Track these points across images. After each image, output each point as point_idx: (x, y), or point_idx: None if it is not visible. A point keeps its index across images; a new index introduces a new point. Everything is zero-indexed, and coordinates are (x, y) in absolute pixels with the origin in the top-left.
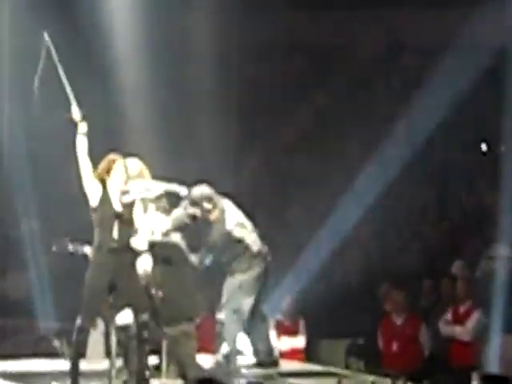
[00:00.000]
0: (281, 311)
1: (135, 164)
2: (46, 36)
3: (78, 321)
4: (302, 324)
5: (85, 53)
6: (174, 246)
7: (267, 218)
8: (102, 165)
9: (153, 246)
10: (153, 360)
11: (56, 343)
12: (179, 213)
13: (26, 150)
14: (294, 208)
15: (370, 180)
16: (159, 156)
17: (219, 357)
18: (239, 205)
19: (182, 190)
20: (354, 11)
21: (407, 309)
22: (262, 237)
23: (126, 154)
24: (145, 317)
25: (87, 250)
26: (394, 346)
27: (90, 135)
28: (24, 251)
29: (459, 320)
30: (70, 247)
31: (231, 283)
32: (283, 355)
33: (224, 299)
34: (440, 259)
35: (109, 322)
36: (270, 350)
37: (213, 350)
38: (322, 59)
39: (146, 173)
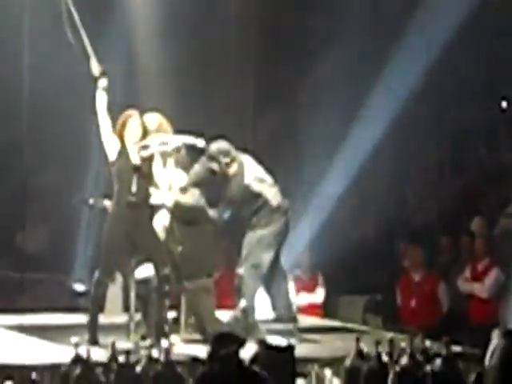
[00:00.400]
0: (299, 266)
1: (154, 118)
2: None
3: (96, 274)
4: (320, 279)
5: (103, 7)
6: (194, 207)
7: (284, 173)
8: (120, 120)
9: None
10: (171, 314)
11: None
12: (197, 168)
13: (47, 103)
14: (310, 165)
15: (386, 136)
16: (177, 112)
17: (238, 311)
18: (259, 160)
19: (200, 142)
20: None
21: (425, 265)
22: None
23: (146, 110)
24: (166, 270)
25: (107, 203)
26: (412, 303)
27: (109, 90)
28: (42, 204)
29: (477, 277)
30: (90, 200)
31: (251, 238)
32: (301, 310)
33: (243, 254)
34: (458, 216)
35: (127, 275)
36: (289, 305)
37: (231, 306)
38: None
39: (167, 127)
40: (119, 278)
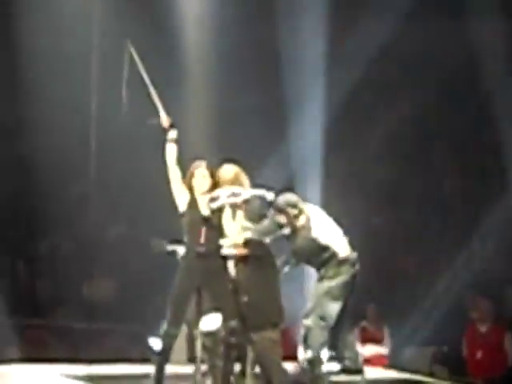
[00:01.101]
0: (366, 318)
1: (230, 170)
2: (128, 44)
3: (165, 326)
4: (386, 331)
5: (170, 59)
6: (264, 247)
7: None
8: (189, 171)
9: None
10: (237, 366)
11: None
12: (266, 220)
13: (114, 156)
14: (379, 216)
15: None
16: (246, 164)
17: (304, 363)
18: (328, 212)
19: (269, 195)
20: None
21: (492, 317)
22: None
23: (222, 160)
24: (233, 323)
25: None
26: (479, 355)
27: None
28: (111, 256)
29: None
30: (169, 247)
31: (319, 289)
32: (368, 362)
33: (311, 305)
34: None
35: (194, 326)
36: (356, 356)
37: (295, 357)
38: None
39: (244, 179)
40: (184, 328)
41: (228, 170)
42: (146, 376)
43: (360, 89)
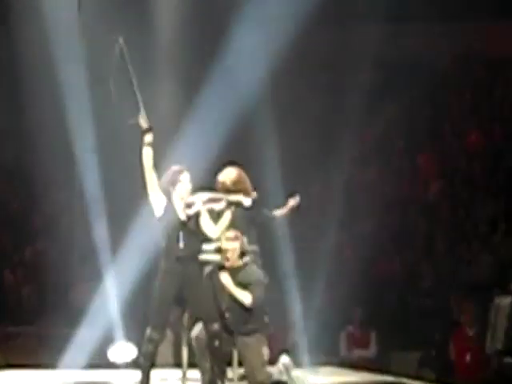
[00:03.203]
0: (351, 322)
1: (233, 171)
2: (120, 40)
3: (148, 331)
4: (372, 335)
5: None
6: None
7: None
8: (167, 176)
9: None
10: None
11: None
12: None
13: (96, 162)
14: (363, 221)
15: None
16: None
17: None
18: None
19: (246, 201)
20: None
21: (480, 320)
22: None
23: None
24: (215, 326)
25: None
26: (467, 358)
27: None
28: (93, 262)
29: None
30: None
31: None
32: (354, 366)
33: None
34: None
35: (179, 331)
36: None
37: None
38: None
39: (246, 181)
40: (169, 333)
41: (231, 172)
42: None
43: (344, 92)
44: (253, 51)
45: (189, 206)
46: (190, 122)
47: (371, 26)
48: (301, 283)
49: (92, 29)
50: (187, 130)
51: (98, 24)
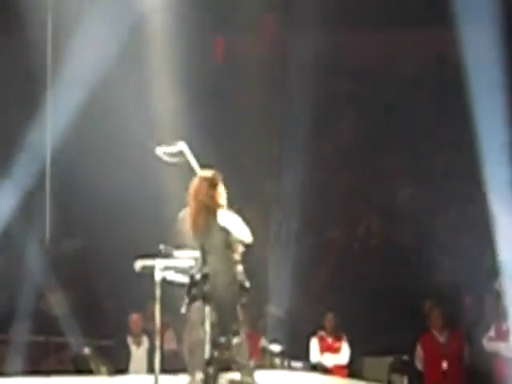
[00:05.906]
0: (323, 328)
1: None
2: None
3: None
4: (344, 341)
5: None
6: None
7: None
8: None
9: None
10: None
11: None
12: None
13: (71, 170)
14: (335, 224)
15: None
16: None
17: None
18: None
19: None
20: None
21: (449, 326)
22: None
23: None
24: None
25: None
26: (438, 363)
27: None
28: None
29: (503, 336)
30: (175, 252)
31: None
32: (326, 371)
33: None
34: (482, 276)
35: (153, 337)
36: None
37: None
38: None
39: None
40: (145, 340)
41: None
42: None
43: (314, 100)
44: None
45: None
46: None
47: None
48: (273, 286)
49: None
50: None
51: None
